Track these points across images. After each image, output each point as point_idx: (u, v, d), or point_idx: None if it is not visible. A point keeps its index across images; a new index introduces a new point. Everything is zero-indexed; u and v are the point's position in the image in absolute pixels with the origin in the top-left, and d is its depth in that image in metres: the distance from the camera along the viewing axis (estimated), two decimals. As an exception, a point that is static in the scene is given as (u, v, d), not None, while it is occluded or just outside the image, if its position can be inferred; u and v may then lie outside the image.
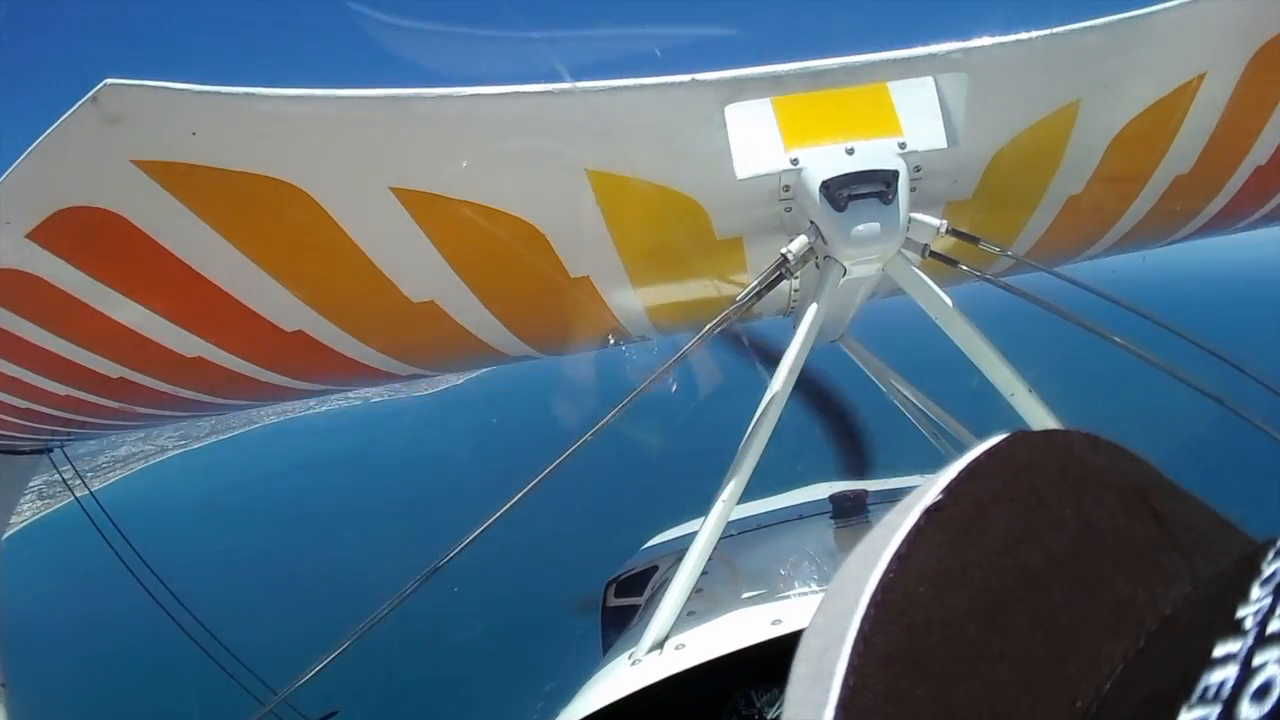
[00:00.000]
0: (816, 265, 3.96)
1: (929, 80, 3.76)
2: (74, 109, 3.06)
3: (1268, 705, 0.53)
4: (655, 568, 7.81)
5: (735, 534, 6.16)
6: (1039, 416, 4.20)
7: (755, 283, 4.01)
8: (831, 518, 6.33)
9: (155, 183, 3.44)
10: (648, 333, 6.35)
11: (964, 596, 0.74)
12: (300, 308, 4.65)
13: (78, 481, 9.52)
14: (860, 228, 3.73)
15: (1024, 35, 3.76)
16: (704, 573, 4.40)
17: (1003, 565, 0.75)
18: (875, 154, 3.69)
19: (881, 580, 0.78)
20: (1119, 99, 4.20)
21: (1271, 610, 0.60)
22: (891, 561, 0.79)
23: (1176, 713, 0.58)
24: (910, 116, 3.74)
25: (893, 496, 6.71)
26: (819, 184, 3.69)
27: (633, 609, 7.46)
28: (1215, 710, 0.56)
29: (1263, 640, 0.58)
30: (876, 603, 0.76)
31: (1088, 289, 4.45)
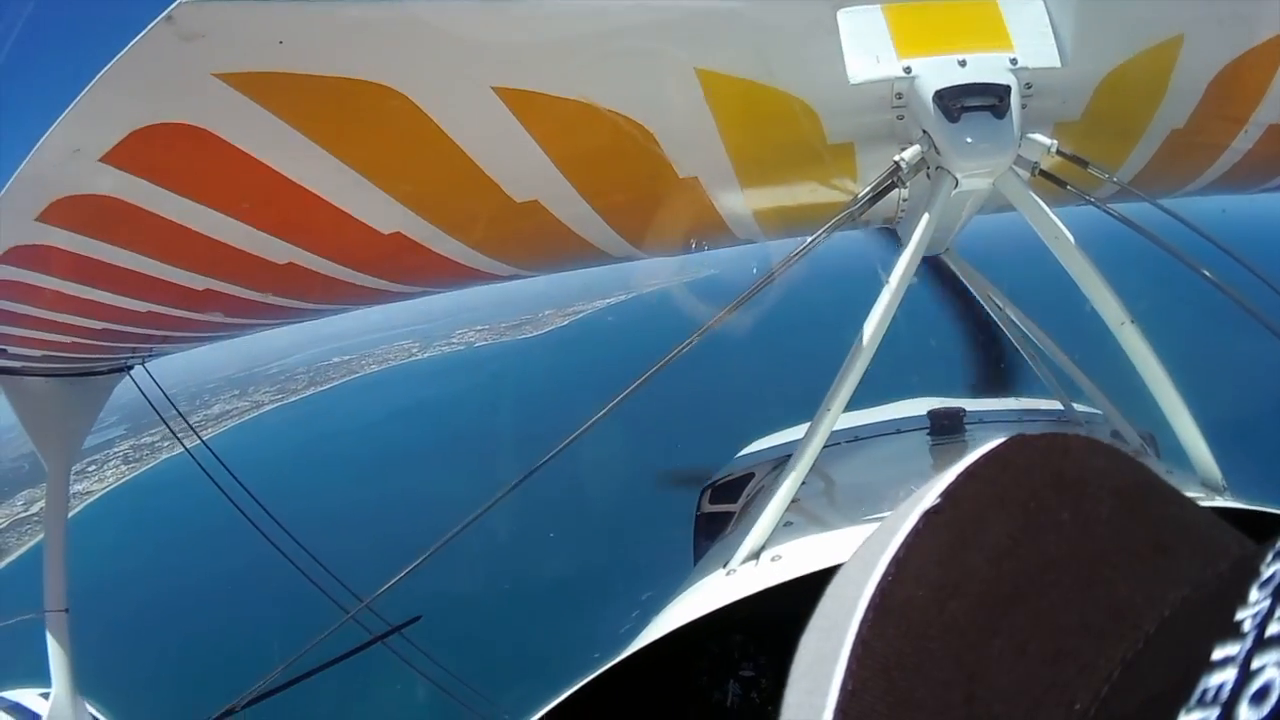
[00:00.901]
0: (928, 176, 3.94)
1: (1039, 1, 3.75)
2: (147, 30, 3.05)
3: (1267, 708, 0.54)
4: (751, 475, 7.88)
5: (833, 445, 6.12)
6: (1139, 351, 4.24)
7: (868, 189, 4.02)
8: (929, 434, 6.40)
9: (240, 94, 3.44)
10: (754, 236, 6.41)
11: (962, 600, 0.75)
12: (398, 209, 4.70)
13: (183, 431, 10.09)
14: (973, 139, 3.71)
15: None
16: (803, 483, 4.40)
17: (1001, 568, 0.76)
18: (988, 67, 3.69)
19: (880, 584, 0.79)
20: (1220, 38, 4.18)
21: (1270, 613, 0.61)
22: (890, 565, 0.80)
23: (1175, 715, 0.58)
24: (1021, 33, 3.74)
25: (988, 417, 7.00)
26: (933, 93, 3.67)
27: (727, 516, 7.54)
28: (1214, 713, 0.56)
29: (1261, 643, 0.59)
30: (875, 606, 0.78)
31: (1190, 225, 4.48)
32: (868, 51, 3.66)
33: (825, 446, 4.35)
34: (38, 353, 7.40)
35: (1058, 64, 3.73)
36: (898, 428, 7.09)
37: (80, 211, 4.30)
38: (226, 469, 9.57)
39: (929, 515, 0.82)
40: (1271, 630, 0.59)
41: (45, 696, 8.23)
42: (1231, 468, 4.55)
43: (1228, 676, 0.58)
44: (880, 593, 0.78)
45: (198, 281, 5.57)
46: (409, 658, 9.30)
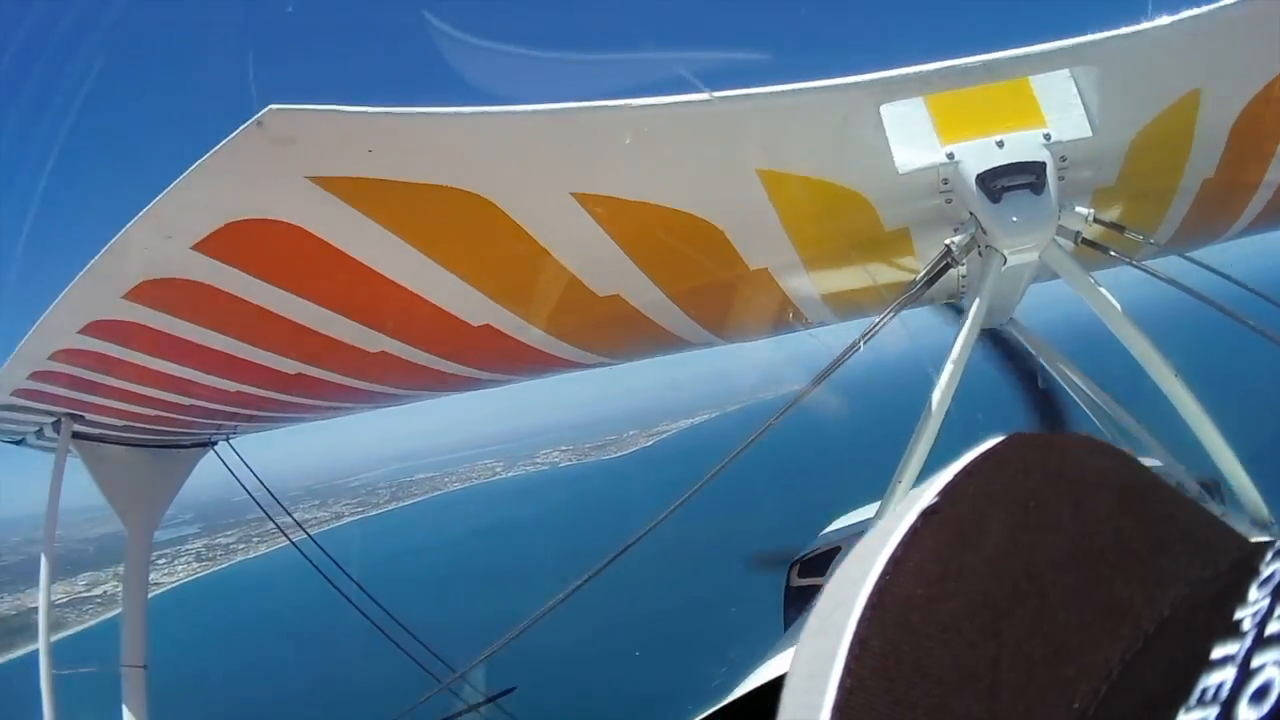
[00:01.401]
0: (979, 254, 4.10)
1: (1066, 73, 3.87)
2: (238, 131, 3.21)
3: (1266, 707, 0.55)
4: (838, 549, 7.92)
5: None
6: (1188, 403, 4.41)
7: (922, 273, 4.19)
8: None
9: (333, 196, 3.63)
10: (826, 318, 6.55)
11: (961, 599, 0.75)
12: (487, 303, 4.90)
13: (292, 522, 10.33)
14: (1016, 218, 3.85)
15: (1143, 25, 3.84)
16: None
17: (1000, 568, 0.76)
18: (1023, 146, 3.82)
19: (878, 583, 0.79)
20: (1234, 85, 4.31)
21: (1269, 612, 0.62)
22: (888, 564, 0.80)
23: (1175, 715, 0.59)
24: (1052, 108, 3.85)
25: None
26: (974, 177, 3.82)
27: (815, 589, 7.57)
28: (1214, 712, 0.57)
29: (1261, 642, 0.60)
30: (873, 605, 0.78)
31: (1228, 278, 4.67)
32: (912, 142, 3.79)
33: None
34: (119, 422, 7.57)
35: (1089, 134, 3.84)
36: None
37: (171, 293, 4.51)
38: (315, 541, 9.89)
39: (927, 514, 0.83)
40: (1271, 629, 0.61)
41: None
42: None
43: (1227, 675, 0.59)
44: (878, 592, 0.79)
45: (289, 366, 5.81)
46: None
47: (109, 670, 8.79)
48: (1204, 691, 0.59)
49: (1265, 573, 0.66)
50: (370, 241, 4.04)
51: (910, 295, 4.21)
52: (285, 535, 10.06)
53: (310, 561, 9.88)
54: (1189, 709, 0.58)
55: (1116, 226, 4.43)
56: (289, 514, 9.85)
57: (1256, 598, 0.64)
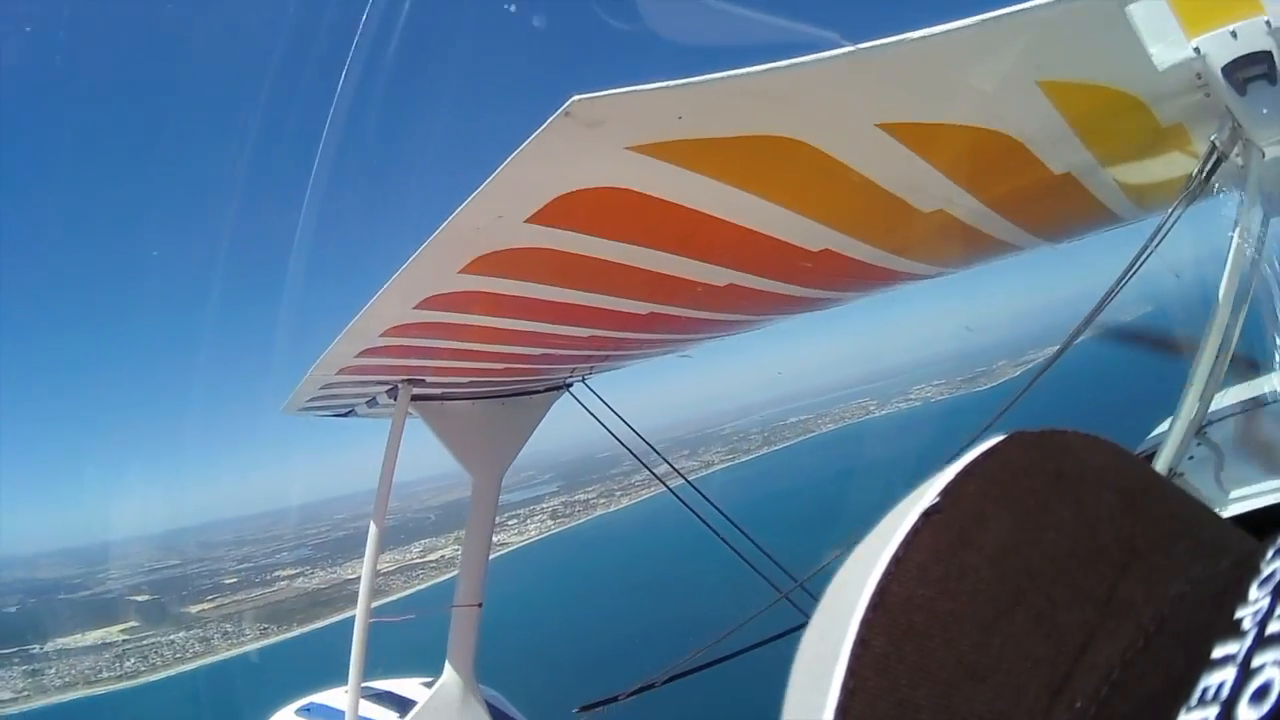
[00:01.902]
0: (1243, 147, 4.19)
1: None
2: (547, 123, 3.48)
3: (1266, 707, 0.56)
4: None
5: (1219, 420, 6.30)
6: None
7: (1197, 169, 4.29)
8: None
9: (654, 159, 3.92)
10: (1136, 215, 6.75)
11: (962, 598, 0.78)
12: (822, 229, 5.23)
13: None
14: (1265, 109, 3.95)
15: None
16: (1189, 458, 4.70)
17: (1001, 567, 0.79)
18: (1252, 35, 3.76)
19: (880, 583, 0.82)
20: None
21: (1270, 611, 0.63)
22: (890, 564, 0.83)
23: (1175, 714, 0.61)
24: None
25: None
26: (1220, 69, 3.86)
27: None
28: (1214, 712, 0.59)
29: (1262, 641, 0.61)
30: (875, 605, 0.81)
31: None
32: (1163, 38, 3.79)
33: (1212, 422, 4.57)
34: (463, 379, 8.16)
35: None
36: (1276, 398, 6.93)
37: (508, 262, 4.93)
38: (678, 473, 10.42)
39: (928, 514, 0.85)
40: (1272, 629, 0.61)
41: (427, 685, 8.95)
42: None
43: (1228, 675, 0.60)
44: (880, 592, 0.81)
45: (641, 307, 6.30)
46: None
47: (435, 612, 9.46)
48: (1205, 691, 0.61)
49: (1266, 571, 0.68)
50: (699, 191, 4.37)
51: (1191, 191, 4.29)
52: (651, 471, 10.47)
53: (676, 495, 10.20)
54: (1190, 708, 0.61)
55: None
56: (653, 448, 10.20)
57: (1257, 597, 0.66)
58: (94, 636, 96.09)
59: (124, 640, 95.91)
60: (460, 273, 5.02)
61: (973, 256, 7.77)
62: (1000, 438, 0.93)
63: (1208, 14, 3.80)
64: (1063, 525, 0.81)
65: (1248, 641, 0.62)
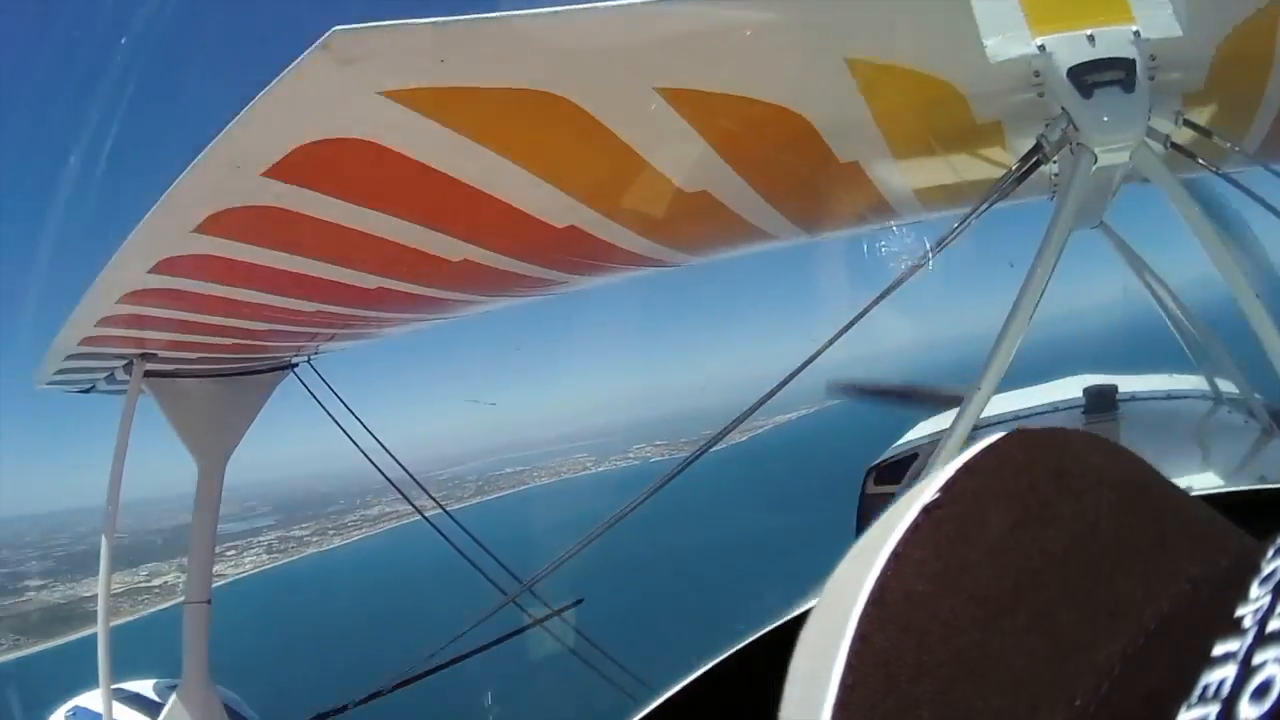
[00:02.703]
0: (1071, 151, 4.07)
1: None
2: (303, 56, 3.22)
3: (1267, 704, 0.55)
4: (916, 455, 8.05)
5: (991, 425, 6.25)
6: (1265, 325, 4.27)
7: (1013, 168, 4.24)
8: (1083, 412, 6.55)
9: (407, 108, 3.63)
10: (917, 213, 6.70)
11: (962, 595, 0.77)
12: (572, 204, 4.94)
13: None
14: (1107, 116, 3.84)
15: None
16: None
17: (1001, 564, 0.78)
18: (1114, 41, 3.80)
19: (879, 579, 0.81)
20: None
21: (1271, 609, 0.62)
22: (889, 560, 0.82)
23: (1176, 712, 0.60)
24: (1141, 5, 3.81)
25: (1141, 395, 7.15)
26: (1066, 70, 3.82)
27: (890, 496, 7.46)
28: (1215, 709, 0.58)
29: (1262, 639, 0.60)
30: (874, 601, 0.80)
31: None
32: (1003, 31, 3.76)
33: (984, 426, 4.47)
34: (194, 355, 7.74)
35: (1179, 33, 3.81)
36: (1054, 406, 7.21)
37: (242, 221, 4.54)
38: (395, 458, 10.04)
39: (928, 510, 0.84)
40: (1272, 626, 0.61)
41: (171, 688, 8.53)
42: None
43: (1228, 673, 0.59)
44: (879, 588, 0.80)
45: (369, 280, 5.90)
46: (569, 642, 9.44)
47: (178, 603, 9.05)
48: (1205, 689, 0.59)
49: (1267, 570, 0.67)
50: (449, 149, 4.04)
51: (1001, 190, 4.25)
52: (376, 465, 10.07)
53: (390, 480, 10.26)
54: (1190, 706, 0.59)
55: (1205, 131, 4.48)
56: (381, 444, 9.74)
57: (1258, 595, 0.65)
58: None
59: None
60: (195, 233, 4.64)
61: (731, 244, 7.57)
62: (1001, 435, 0.91)
63: (1062, 14, 3.88)
64: (1062, 522, 0.80)
65: (1248, 639, 0.61)
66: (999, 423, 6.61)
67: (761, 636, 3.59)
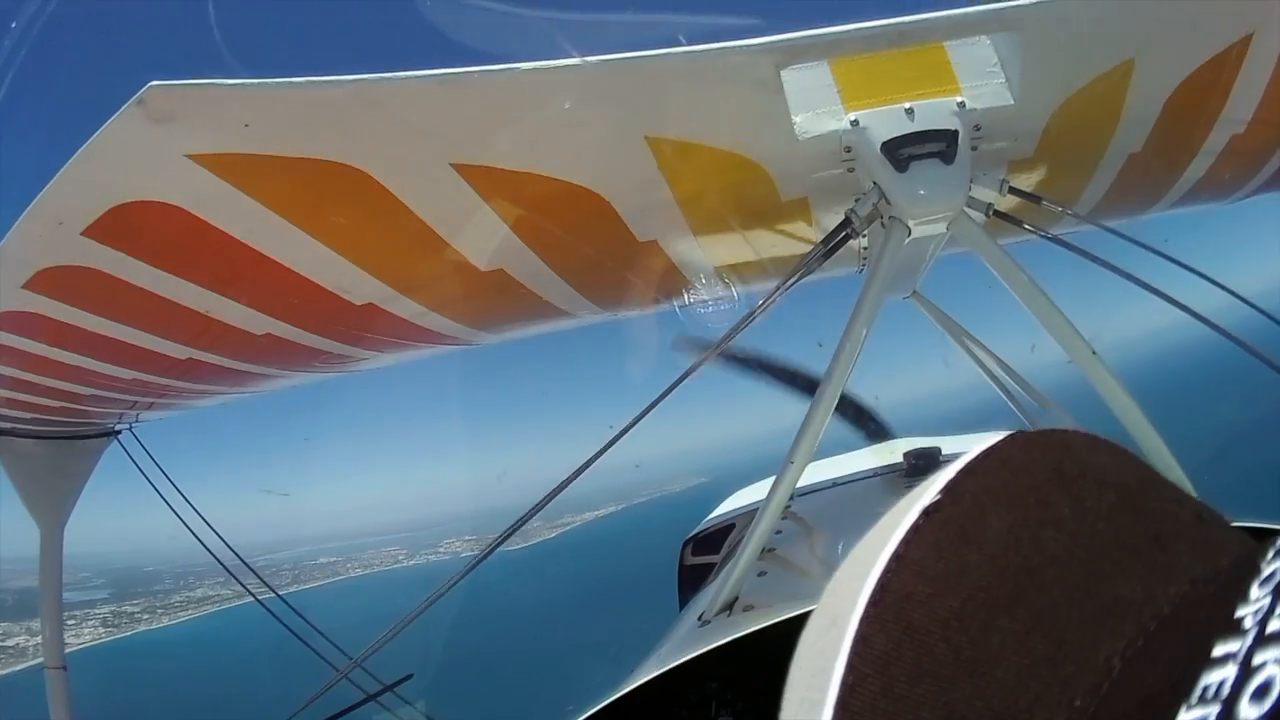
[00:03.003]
0: (882, 225, 4.07)
1: (984, 39, 3.78)
2: (121, 111, 3.19)
3: (1267, 704, 0.56)
4: (733, 526, 8.11)
5: (809, 493, 6.29)
6: (1104, 380, 4.32)
7: (820, 244, 4.19)
8: (905, 476, 6.57)
9: (212, 174, 3.60)
10: (720, 291, 6.39)
11: (962, 596, 0.77)
12: (369, 281, 4.89)
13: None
14: (923, 188, 3.82)
15: None
16: (778, 533, 4.69)
17: (1001, 565, 0.78)
18: (935, 114, 3.75)
19: (880, 579, 0.81)
20: (1173, 56, 4.28)
21: (1271, 610, 0.63)
22: (890, 561, 0.82)
23: (1176, 712, 0.61)
24: (968, 75, 3.78)
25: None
26: (880, 144, 3.77)
27: (709, 567, 7.63)
28: (1214, 710, 0.58)
29: (1262, 640, 0.61)
30: (875, 602, 0.80)
31: (1148, 248, 4.67)
32: (814, 107, 3.73)
33: (803, 494, 4.51)
34: (27, 415, 7.60)
35: (1009, 101, 3.79)
36: (875, 472, 7.24)
37: (65, 281, 4.49)
38: (215, 530, 9.80)
39: (928, 512, 0.85)
40: (1272, 627, 0.62)
41: None
42: (1207, 489, 4.69)
43: (1228, 673, 0.60)
44: (880, 588, 0.81)
45: (179, 351, 5.81)
46: (402, 716, 9.41)
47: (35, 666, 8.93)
48: (1205, 689, 0.60)
49: (1266, 571, 0.68)
50: (250, 220, 4.02)
51: (807, 266, 4.22)
52: (194, 533, 9.69)
53: (216, 558, 9.99)
54: (1190, 706, 0.60)
55: (1033, 198, 4.51)
56: (202, 517, 9.60)
57: (1258, 596, 0.66)
58: None
59: None
60: (24, 289, 4.57)
61: (530, 323, 7.52)
62: (1001, 436, 0.92)
63: (879, 87, 3.81)
64: (1062, 524, 0.81)
65: (1248, 640, 0.62)
66: (818, 489, 6.70)
67: (764, 635, 3.64)
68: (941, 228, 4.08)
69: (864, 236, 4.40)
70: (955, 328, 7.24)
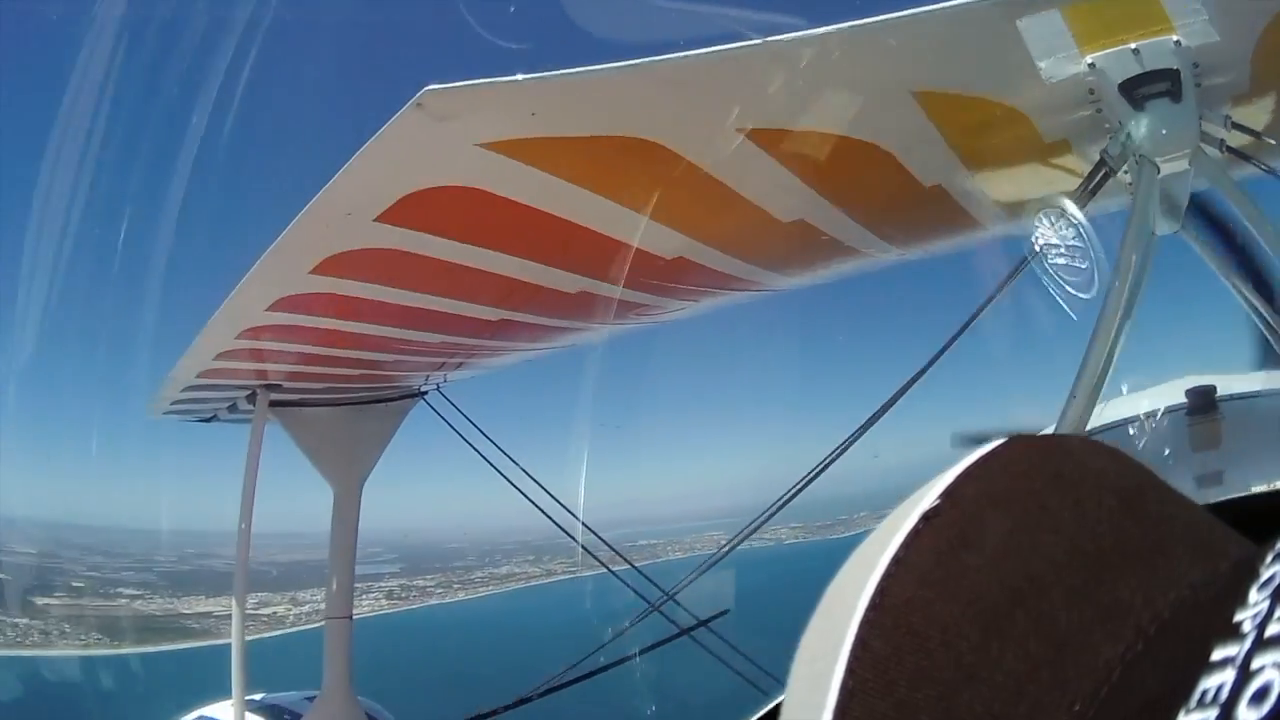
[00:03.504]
0: (1135, 162, 4.14)
1: None
2: (398, 115, 3.43)
3: (1266, 708, 0.55)
4: None
5: (1098, 434, 6.25)
6: None
7: (1082, 183, 4.32)
8: (1187, 414, 6.44)
9: (507, 158, 3.85)
10: (1004, 227, 6.57)
11: (962, 600, 0.77)
12: (676, 237, 5.14)
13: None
14: (1162, 126, 3.94)
15: None
16: None
17: (1001, 569, 0.78)
18: (1157, 53, 3.83)
19: (879, 584, 0.81)
20: None
21: (1270, 614, 0.62)
22: (889, 565, 0.82)
23: (1175, 716, 0.60)
24: (1178, 14, 3.78)
25: (1243, 395, 7.00)
26: (1116, 85, 3.89)
27: None
28: (1213, 714, 0.58)
29: (1261, 643, 0.60)
30: (874, 606, 0.80)
31: None
32: (1054, 53, 3.81)
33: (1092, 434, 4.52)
34: (318, 385, 8.03)
35: (1215, 38, 3.80)
36: (1156, 410, 6.94)
37: (359, 262, 4.80)
38: (547, 491, 9.76)
39: (928, 516, 0.84)
40: (1271, 631, 0.60)
41: (309, 699, 8.90)
42: None
43: (1227, 677, 0.59)
44: (880, 593, 0.80)
45: (491, 313, 6.18)
46: (717, 651, 9.38)
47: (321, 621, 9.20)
48: (1204, 693, 0.59)
49: (1265, 575, 0.66)
50: (551, 192, 4.26)
51: (1079, 204, 4.21)
52: (517, 487, 9.60)
53: (549, 515, 9.82)
54: (1189, 710, 0.59)
55: (1255, 133, 4.51)
56: (514, 461, 9.47)
57: (1257, 600, 0.64)
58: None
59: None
60: (311, 273, 4.88)
61: (831, 268, 7.61)
62: (1000, 441, 0.92)
63: (1106, 30, 3.87)
64: (1062, 528, 0.80)
65: (1247, 644, 0.60)
66: (1106, 429, 6.59)
67: None
68: (1184, 164, 4.16)
69: (1124, 174, 4.35)
70: (1222, 263, 6.99)
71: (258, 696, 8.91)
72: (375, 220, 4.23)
